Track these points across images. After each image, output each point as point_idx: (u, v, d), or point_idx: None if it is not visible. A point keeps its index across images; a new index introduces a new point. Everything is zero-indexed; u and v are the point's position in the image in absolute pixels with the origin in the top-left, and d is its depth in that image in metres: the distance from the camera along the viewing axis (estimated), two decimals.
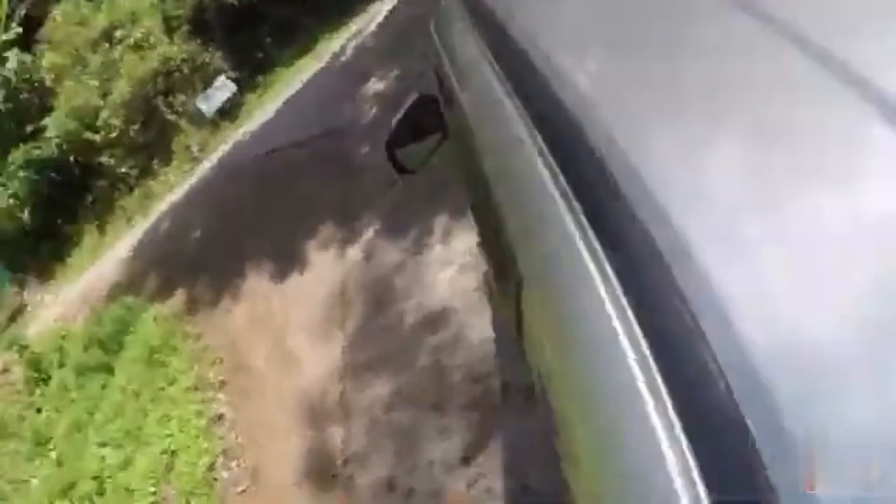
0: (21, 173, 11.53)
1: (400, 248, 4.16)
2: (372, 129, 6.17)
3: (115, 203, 11.53)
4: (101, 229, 11.79)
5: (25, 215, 11.76)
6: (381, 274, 4.23)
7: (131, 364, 6.52)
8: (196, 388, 5.70)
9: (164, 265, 7.58)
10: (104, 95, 11.31)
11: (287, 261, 5.64)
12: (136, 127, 11.17)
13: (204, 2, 10.65)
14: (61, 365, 7.74)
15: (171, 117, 11.11)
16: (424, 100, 1.73)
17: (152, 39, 11.25)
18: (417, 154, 1.75)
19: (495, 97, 0.85)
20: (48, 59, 11.94)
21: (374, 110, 6.29)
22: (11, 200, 11.73)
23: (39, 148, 11.46)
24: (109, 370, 6.96)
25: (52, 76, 11.94)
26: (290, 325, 5.02)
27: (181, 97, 11.08)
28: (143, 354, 6.46)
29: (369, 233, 4.71)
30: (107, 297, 7.91)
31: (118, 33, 11.41)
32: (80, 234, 11.97)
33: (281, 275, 5.65)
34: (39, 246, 12.33)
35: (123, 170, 11.37)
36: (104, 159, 11.39)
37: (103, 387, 6.89)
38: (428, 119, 1.66)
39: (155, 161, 11.31)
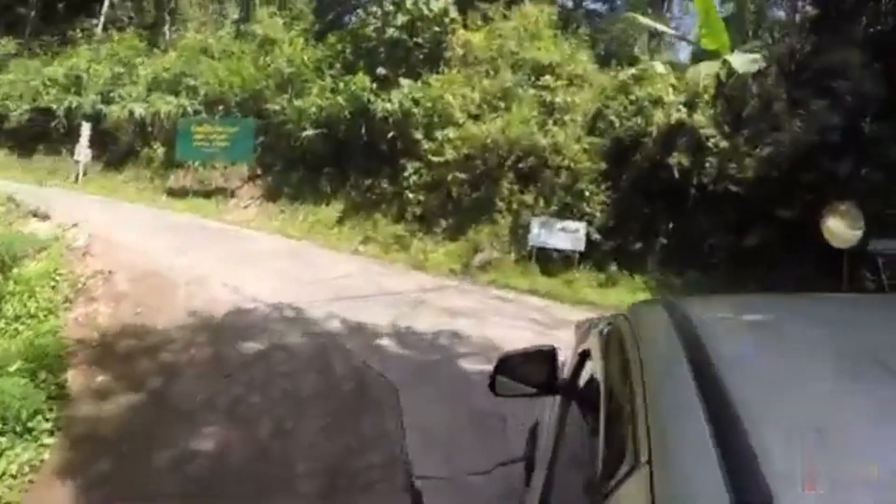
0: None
1: None
2: None
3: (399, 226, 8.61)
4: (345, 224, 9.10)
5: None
6: None
7: None
8: None
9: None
10: (480, 133, 8.38)
11: None
12: (469, 179, 8.10)
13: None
14: None
15: (500, 202, 7.80)
16: (548, 354, 1.86)
17: (578, 130, 8.02)
18: (510, 388, 1.87)
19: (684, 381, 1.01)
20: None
21: None
22: (313, 132, 9.94)
23: (358, 125, 9.30)
24: None
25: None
26: None
27: (528, 197, 7.68)
28: None
29: None
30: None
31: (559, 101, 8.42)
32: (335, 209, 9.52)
33: None
34: (289, 180, 10.37)
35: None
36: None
37: None
38: (538, 370, 1.86)
39: (440, 229, 8.15)
